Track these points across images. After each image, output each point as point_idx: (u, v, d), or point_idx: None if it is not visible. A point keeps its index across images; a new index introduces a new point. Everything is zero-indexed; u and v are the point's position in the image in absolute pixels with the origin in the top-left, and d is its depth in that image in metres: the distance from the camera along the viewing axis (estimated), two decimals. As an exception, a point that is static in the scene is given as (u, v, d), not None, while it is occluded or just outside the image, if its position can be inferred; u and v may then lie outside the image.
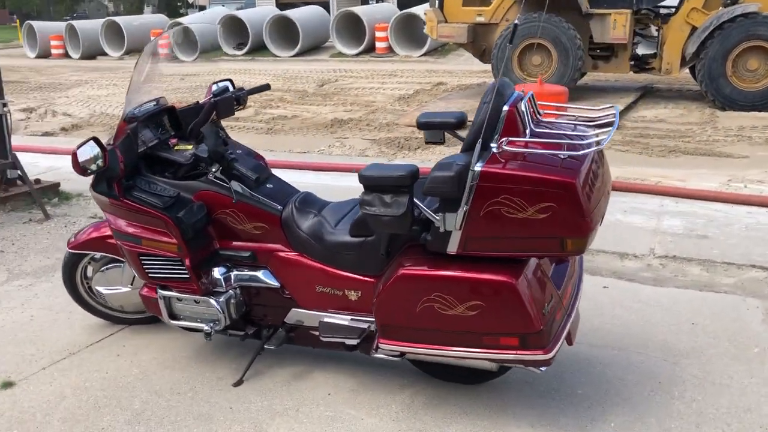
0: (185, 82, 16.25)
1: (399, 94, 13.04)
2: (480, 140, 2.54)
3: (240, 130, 10.70)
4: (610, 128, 2.72)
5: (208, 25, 21.52)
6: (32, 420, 2.95)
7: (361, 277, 2.96)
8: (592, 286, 4.30)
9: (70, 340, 3.62)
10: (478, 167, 2.51)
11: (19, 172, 6.18)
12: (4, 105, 6.23)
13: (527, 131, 2.67)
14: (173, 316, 3.25)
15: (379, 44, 20.03)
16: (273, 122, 11.24)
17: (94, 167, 2.91)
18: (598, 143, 2.61)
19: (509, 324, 2.57)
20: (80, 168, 2.88)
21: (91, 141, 2.94)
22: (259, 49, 21.51)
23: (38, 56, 24.43)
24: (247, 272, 3.18)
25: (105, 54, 23.34)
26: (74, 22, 23.33)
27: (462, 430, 2.87)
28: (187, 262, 3.08)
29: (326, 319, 3.07)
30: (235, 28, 21.31)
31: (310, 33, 20.59)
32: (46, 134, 10.68)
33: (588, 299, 4.03)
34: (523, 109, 2.67)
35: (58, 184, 6.59)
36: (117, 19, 22.72)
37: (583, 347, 3.49)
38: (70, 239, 3.57)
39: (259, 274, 3.16)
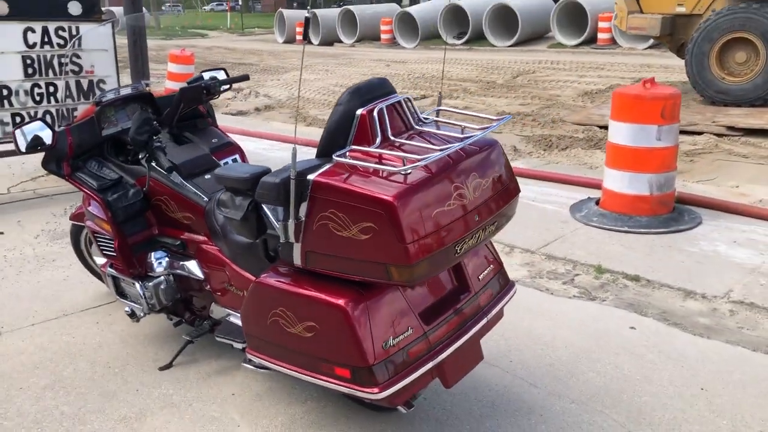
0: (390, 69, 16.70)
1: (590, 89, 12.19)
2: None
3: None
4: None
5: (430, 14, 21.86)
6: None
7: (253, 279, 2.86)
8: (619, 322, 3.71)
9: (74, 303, 3.97)
10: (311, 176, 2.29)
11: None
12: (147, 85, 6.94)
13: (378, 139, 2.36)
14: (121, 294, 3.41)
15: (601, 35, 18.87)
16: (441, 113, 11.11)
17: (21, 147, 3.12)
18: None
19: (341, 353, 2.31)
20: (16, 145, 3.13)
21: (38, 121, 3.18)
22: (479, 39, 21.41)
23: (285, 41, 26.76)
24: (179, 261, 3.23)
25: (340, 41, 24.85)
26: (317, 11, 25.09)
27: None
28: (115, 243, 3.21)
29: (230, 318, 3.02)
30: (457, 16, 21.40)
31: (530, 22, 19.99)
32: (239, 113, 11.67)
33: (597, 338, 3.50)
34: (376, 115, 2.36)
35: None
36: (352, 7, 24.01)
37: (524, 389, 3.05)
38: (73, 211, 3.91)
39: (189, 264, 3.20)
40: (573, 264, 4.59)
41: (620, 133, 5.20)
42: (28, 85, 6.06)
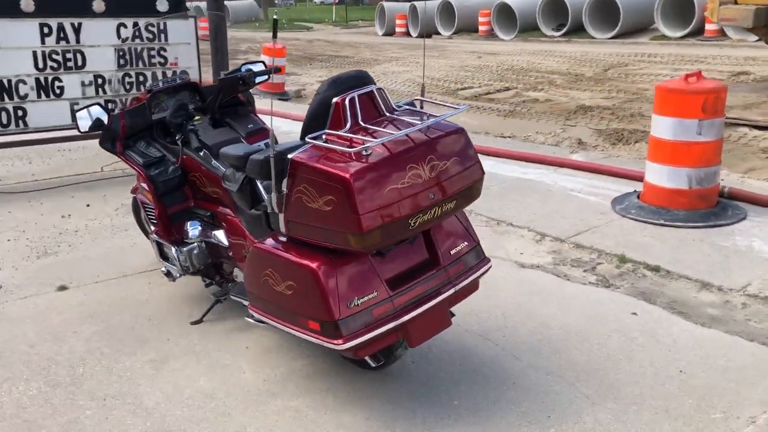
0: (480, 61, 16.83)
1: (678, 83, 11.87)
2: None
3: (481, 111, 10.98)
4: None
5: (529, 6, 21.68)
6: (50, 315, 3.88)
7: None
8: (623, 307, 3.88)
9: (134, 266, 4.55)
10: (290, 155, 2.66)
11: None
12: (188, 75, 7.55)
13: (348, 124, 2.69)
14: (164, 257, 3.92)
15: (708, 26, 18.16)
16: (522, 105, 11.25)
17: (81, 127, 3.66)
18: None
19: (313, 309, 2.67)
20: (77, 126, 3.67)
21: (96, 105, 3.71)
22: (578, 31, 21.08)
23: (385, 34, 27.27)
24: (210, 230, 3.70)
25: (438, 33, 25.09)
26: (416, 3, 25.42)
27: (311, 402, 3.04)
28: (156, 212, 3.71)
29: (241, 280, 3.45)
30: (557, 8, 21.15)
31: (633, 13, 19.48)
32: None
33: (595, 321, 3.71)
34: (347, 102, 2.69)
35: (262, 146, 7.76)
36: (452, 0, 24.18)
37: (506, 360, 3.30)
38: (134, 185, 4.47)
39: (218, 233, 3.65)
40: (598, 253, 4.73)
41: (661, 127, 5.25)
42: (120, 75, 6.77)
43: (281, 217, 2.77)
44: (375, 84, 2.90)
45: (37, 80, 6.39)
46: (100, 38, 6.62)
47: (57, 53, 6.45)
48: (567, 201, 5.80)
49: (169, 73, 7.01)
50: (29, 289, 4.19)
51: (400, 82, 14.25)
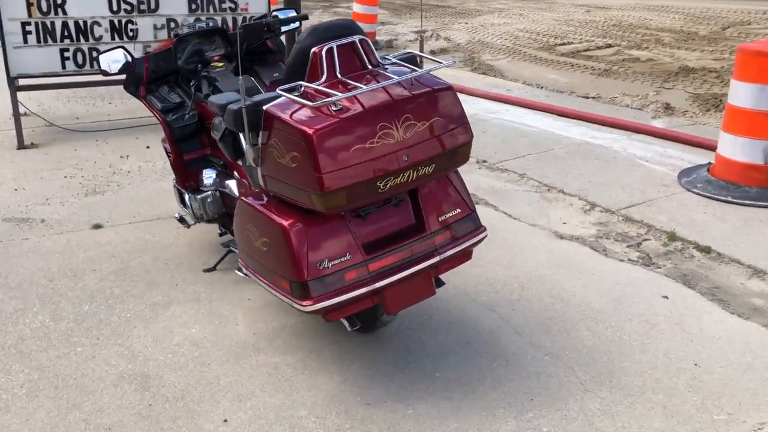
0: (588, 15, 15.95)
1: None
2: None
3: (575, 68, 10.43)
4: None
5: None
6: (77, 252, 4.03)
7: None
8: (656, 290, 3.59)
9: (170, 210, 4.60)
10: (265, 107, 2.56)
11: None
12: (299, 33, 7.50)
13: (324, 76, 2.54)
14: (183, 203, 3.96)
15: None
16: (619, 64, 10.58)
17: (110, 69, 3.69)
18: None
19: (283, 267, 2.60)
20: (101, 70, 3.71)
21: (119, 49, 3.74)
22: (704, -15, 19.45)
23: (496, -16, 26.26)
24: (225, 179, 3.68)
25: (552, -16, 23.90)
26: (530, -48, 24.24)
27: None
28: (171, 158, 3.73)
29: None
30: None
31: (765, -33, 17.70)
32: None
33: (619, 301, 3.48)
34: (324, 53, 2.54)
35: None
36: (568, -51, 22.88)
37: (507, 336, 3.13)
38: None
39: (231, 182, 3.63)
40: (648, 228, 4.39)
41: (739, 94, 4.75)
42: (191, 19, 6.85)
43: (258, 171, 2.69)
44: (362, 34, 2.73)
45: (111, 22, 6.56)
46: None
47: (131, -4, 6.59)
48: (631, 170, 5.40)
49: (239, 19, 7.02)
50: (67, 225, 4.36)
51: (496, 34, 13.72)
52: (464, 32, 14.05)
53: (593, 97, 8.18)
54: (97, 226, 4.35)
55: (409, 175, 2.51)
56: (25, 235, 4.21)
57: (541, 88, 8.79)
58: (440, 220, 2.79)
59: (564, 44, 12.54)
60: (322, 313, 2.61)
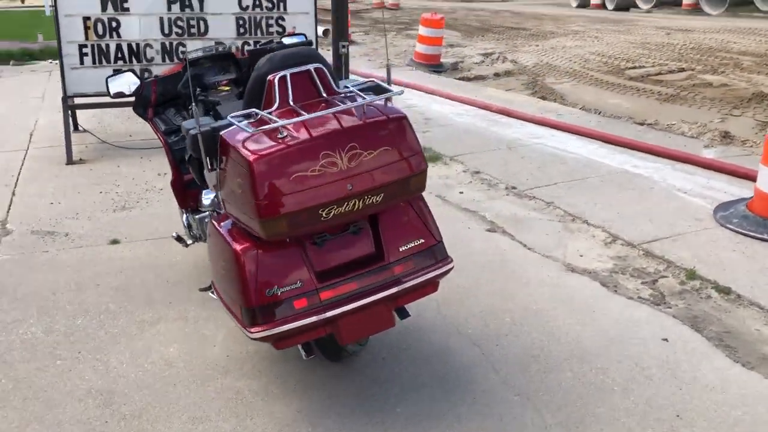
0: (668, 38, 15.43)
1: None
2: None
3: (641, 93, 10.09)
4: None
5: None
6: (87, 267, 4.16)
7: None
8: (658, 332, 3.42)
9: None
10: (223, 132, 2.59)
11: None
12: (344, 46, 7.60)
13: (275, 104, 2.54)
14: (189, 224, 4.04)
15: None
16: (689, 89, 10.16)
17: (118, 92, 3.82)
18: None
19: (236, 292, 2.61)
20: (108, 92, 3.85)
21: (129, 72, 3.87)
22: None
23: (579, 6, 25.84)
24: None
25: (636, 6, 23.31)
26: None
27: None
28: (172, 178, 3.82)
29: None
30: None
31: None
32: (477, 77, 11.91)
33: (613, 343, 3.32)
34: (277, 81, 2.54)
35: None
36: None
37: (482, 372, 3.02)
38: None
39: (227, 204, 3.68)
40: (667, 265, 4.16)
41: (779, 124, 4.44)
42: (239, 42, 7.04)
43: (220, 194, 2.71)
44: (323, 63, 2.72)
45: (163, 45, 6.83)
46: (222, 6, 6.91)
47: (182, 20, 6.84)
48: (665, 201, 5.14)
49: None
50: (87, 240, 4.54)
51: (565, 57, 13.44)
52: (533, 54, 13.85)
53: (649, 124, 7.87)
54: (115, 242, 4.50)
55: (354, 204, 2.48)
56: (45, 248, 4.41)
57: (598, 113, 8.53)
58: (401, 249, 2.73)
59: (634, 68, 12.16)
60: (270, 341, 2.60)
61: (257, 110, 2.56)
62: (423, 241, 2.78)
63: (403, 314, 2.89)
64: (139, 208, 5.15)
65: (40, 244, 4.46)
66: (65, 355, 3.22)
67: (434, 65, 12.46)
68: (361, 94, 2.60)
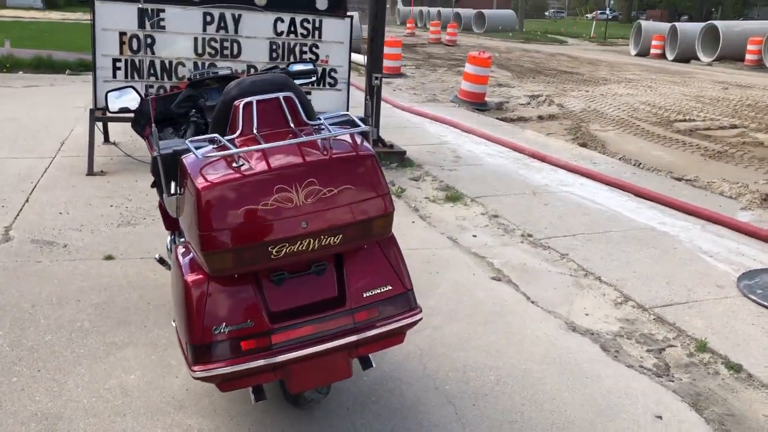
0: (725, 93, 15.00)
1: None
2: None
3: (686, 147, 9.75)
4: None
5: None
6: (74, 281, 4.07)
7: None
8: (652, 408, 3.16)
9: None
10: (182, 156, 2.47)
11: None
12: (377, 78, 7.52)
13: (238, 131, 2.42)
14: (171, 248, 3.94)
15: None
16: (738, 147, 9.79)
17: (123, 107, 3.77)
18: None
19: (184, 326, 2.47)
20: (106, 105, 3.80)
21: (130, 88, 3.82)
22: None
23: (638, 54, 25.48)
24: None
25: (698, 59, 22.84)
26: (677, 24, 23.38)
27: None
28: (159, 201, 3.73)
29: None
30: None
31: None
32: (519, 119, 11.70)
33: (599, 415, 3.05)
34: (242, 107, 2.42)
35: (404, 152, 7.62)
36: (717, 23, 21.82)
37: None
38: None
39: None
40: (677, 333, 3.87)
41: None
42: (270, 66, 7.02)
43: (180, 220, 2.59)
44: (295, 91, 2.58)
45: (195, 64, 6.86)
46: (256, 30, 6.92)
47: (215, 41, 6.87)
48: (687, 264, 4.84)
49: (319, 70, 7.11)
50: (83, 253, 4.49)
51: (614, 105, 13.15)
52: (581, 100, 13.60)
53: (688, 180, 7.53)
54: (109, 258, 4.43)
55: (309, 244, 2.32)
56: (39, 258, 4.36)
57: (637, 164, 8.23)
58: (364, 295, 2.55)
59: (684, 121, 11.82)
60: (213, 381, 2.44)
61: (219, 136, 2.43)
62: (390, 288, 2.60)
63: (366, 364, 2.70)
64: (144, 225, 5.09)
65: (36, 254, 4.43)
66: (23, 372, 3.12)
67: (478, 103, 12.31)
68: (328, 127, 2.45)
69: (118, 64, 6.69)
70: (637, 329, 3.93)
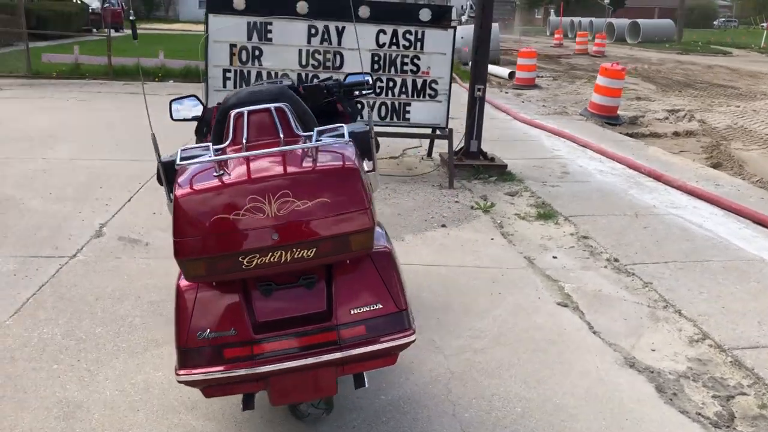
0: None
1: None
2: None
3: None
4: None
5: None
6: (148, 277, 4.23)
7: None
8: None
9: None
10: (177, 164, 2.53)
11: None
12: (479, 89, 7.37)
13: (228, 140, 2.43)
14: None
15: None
16: None
17: (180, 117, 3.93)
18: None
19: (175, 330, 2.53)
20: (170, 114, 3.97)
21: (193, 97, 3.97)
22: None
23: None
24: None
25: None
26: None
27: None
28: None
29: None
30: None
31: None
32: (653, 134, 11.01)
33: None
34: (233, 117, 2.42)
35: (505, 166, 7.40)
36: None
37: None
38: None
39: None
40: (754, 380, 3.44)
41: None
42: (370, 78, 7.08)
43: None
44: (292, 103, 2.56)
45: (299, 75, 7.05)
46: (360, 42, 7.00)
47: (319, 53, 7.03)
48: (791, 302, 4.29)
49: (419, 81, 7.08)
50: (161, 252, 4.73)
51: (758, 120, 12.01)
52: (729, 116, 12.56)
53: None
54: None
55: (281, 256, 2.28)
56: (120, 255, 4.66)
57: (772, 188, 7.44)
58: (352, 312, 2.47)
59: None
60: (196, 386, 2.47)
61: (210, 144, 2.46)
62: (381, 306, 2.50)
63: (359, 383, 2.62)
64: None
65: (118, 251, 4.72)
66: (65, 361, 3.32)
67: (609, 117, 11.71)
68: (306, 137, 2.41)
69: (228, 74, 7.02)
70: (708, 371, 3.52)
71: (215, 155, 2.32)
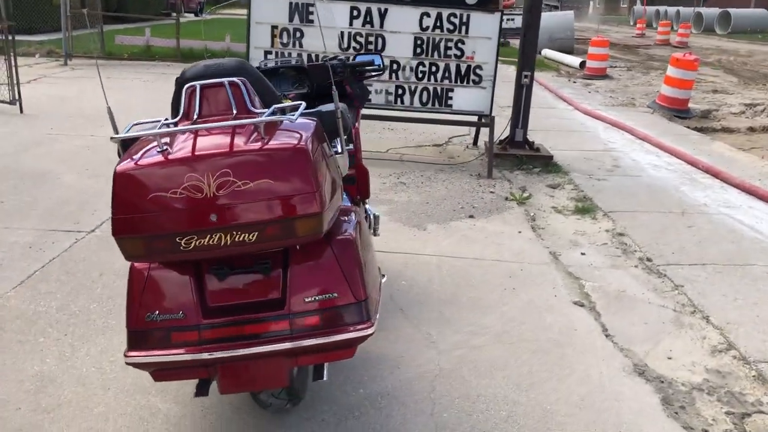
0: None
1: None
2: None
3: None
4: None
5: None
6: None
7: None
8: None
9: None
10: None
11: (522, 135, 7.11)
12: (526, 76, 7.07)
13: (179, 115, 2.32)
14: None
15: None
16: None
17: None
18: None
19: (126, 312, 2.45)
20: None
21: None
22: None
23: None
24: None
25: None
26: None
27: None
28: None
29: None
30: None
31: None
32: (724, 129, 10.40)
33: None
34: (186, 91, 2.31)
35: (551, 157, 7.09)
36: None
37: None
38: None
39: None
40: (776, 398, 3.12)
41: None
42: (414, 62, 6.91)
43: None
44: (252, 77, 2.43)
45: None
46: (402, 25, 6.83)
47: (361, 35, 6.90)
48: (837, 314, 3.89)
49: (464, 66, 6.85)
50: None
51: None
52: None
53: None
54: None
55: (220, 239, 2.16)
56: (136, 232, 4.67)
57: None
58: (307, 301, 2.34)
59: None
60: (144, 369, 2.39)
61: (162, 120, 2.37)
62: (338, 295, 2.36)
63: (318, 375, 2.49)
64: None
65: (135, 228, 4.73)
66: (51, 335, 3.33)
67: (679, 110, 11.11)
68: (261, 114, 2.27)
69: (269, 56, 6.97)
70: (726, 384, 3.22)
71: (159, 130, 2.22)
